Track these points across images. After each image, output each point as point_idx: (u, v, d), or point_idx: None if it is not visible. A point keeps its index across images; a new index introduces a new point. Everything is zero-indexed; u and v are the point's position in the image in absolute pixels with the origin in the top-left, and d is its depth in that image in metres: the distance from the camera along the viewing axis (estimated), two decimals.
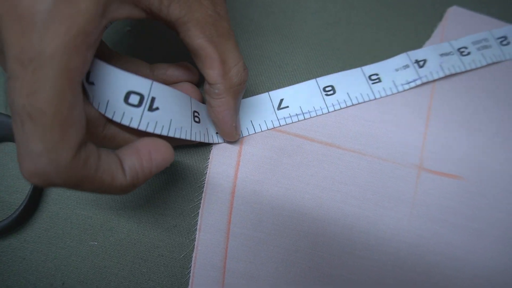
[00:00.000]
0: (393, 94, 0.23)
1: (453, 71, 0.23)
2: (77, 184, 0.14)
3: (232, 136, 0.20)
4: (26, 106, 0.13)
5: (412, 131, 0.22)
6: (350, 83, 0.23)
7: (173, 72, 0.20)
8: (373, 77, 0.23)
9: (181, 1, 0.16)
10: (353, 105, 0.22)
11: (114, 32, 0.23)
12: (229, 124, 0.19)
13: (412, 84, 0.23)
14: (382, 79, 0.23)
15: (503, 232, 0.21)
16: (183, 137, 0.18)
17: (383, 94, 0.23)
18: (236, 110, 0.19)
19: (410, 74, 0.23)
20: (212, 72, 0.17)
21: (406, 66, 0.23)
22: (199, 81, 0.21)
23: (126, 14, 0.15)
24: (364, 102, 0.22)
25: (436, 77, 0.23)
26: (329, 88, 0.22)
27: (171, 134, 0.18)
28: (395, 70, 0.23)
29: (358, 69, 0.23)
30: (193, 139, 0.19)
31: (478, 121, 0.22)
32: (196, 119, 0.19)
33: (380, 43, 0.24)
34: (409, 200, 0.21)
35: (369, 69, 0.23)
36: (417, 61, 0.23)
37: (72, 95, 0.13)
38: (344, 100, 0.22)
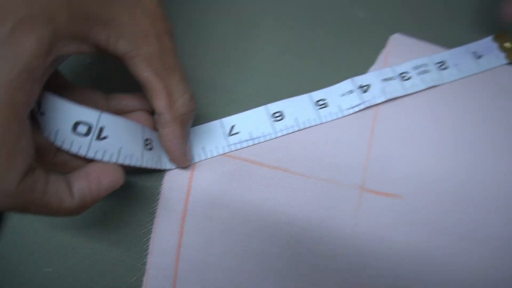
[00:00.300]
0: (338, 118, 0.24)
1: (394, 95, 0.24)
2: (24, 207, 0.15)
3: (182, 162, 0.21)
4: None
5: (355, 153, 0.23)
6: (298, 108, 0.24)
7: (128, 102, 0.22)
8: (320, 102, 0.24)
9: (128, 37, 0.17)
10: (300, 129, 0.23)
11: (77, 64, 0.25)
12: (178, 151, 0.21)
13: (356, 109, 0.24)
14: (328, 104, 0.24)
15: (441, 248, 0.22)
16: (133, 164, 0.20)
17: (329, 118, 0.24)
18: (184, 138, 0.20)
19: (354, 99, 0.24)
20: (159, 103, 0.19)
21: (351, 91, 0.24)
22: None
23: (73, 50, 0.17)
24: (311, 126, 0.24)
25: (378, 101, 0.24)
26: (278, 114, 0.24)
27: (120, 162, 0.19)
28: (341, 95, 0.24)
29: (306, 95, 0.24)
30: (144, 166, 0.20)
31: (418, 142, 0.24)
32: (149, 146, 0.20)
33: (327, 69, 0.25)
34: (351, 219, 0.22)
35: (317, 94, 0.24)
36: (361, 87, 0.24)
37: (18, 127, 0.15)
38: (292, 125, 0.23)
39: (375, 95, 0.24)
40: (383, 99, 0.24)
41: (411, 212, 0.22)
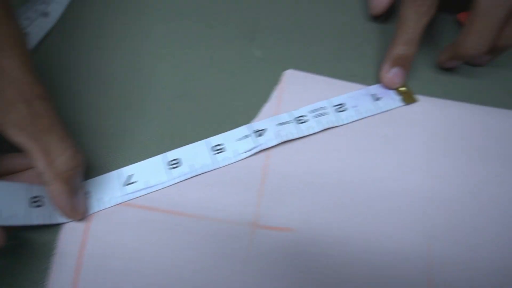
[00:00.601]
0: (234, 162, 0.25)
1: (288, 138, 0.25)
2: None
3: (73, 216, 0.22)
4: None
5: (249, 190, 0.24)
6: (195, 154, 0.25)
7: (19, 160, 0.22)
8: (217, 148, 0.25)
9: None
10: (198, 175, 0.24)
11: None
12: (65, 207, 0.21)
13: (251, 152, 0.25)
14: (225, 149, 0.25)
15: (333, 279, 0.22)
16: (19, 223, 0.20)
17: (225, 163, 0.25)
18: (69, 194, 0.21)
19: (249, 143, 0.25)
20: (37, 163, 0.20)
21: (247, 136, 0.25)
22: None
23: None
24: (206, 172, 0.24)
25: (272, 144, 0.25)
26: (175, 162, 0.24)
27: (2, 223, 0.19)
28: (237, 140, 0.25)
29: (204, 141, 0.25)
30: (32, 223, 0.20)
31: (309, 175, 0.25)
32: (37, 203, 0.21)
33: (225, 111, 0.27)
34: (243, 257, 0.23)
35: (214, 140, 0.25)
36: (256, 131, 0.25)
37: None
38: (188, 172, 0.24)
39: (269, 138, 0.25)
40: (277, 142, 0.25)
41: (302, 245, 0.23)
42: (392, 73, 0.27)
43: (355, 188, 0.25)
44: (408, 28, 0.26)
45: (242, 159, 0.25)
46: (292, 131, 0.26)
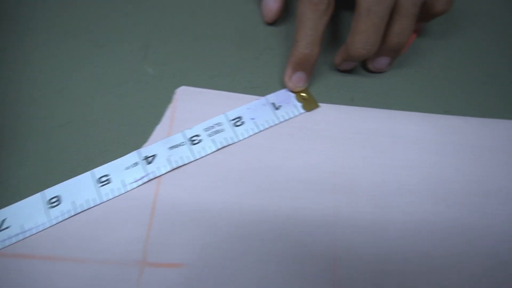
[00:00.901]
0: (121, 194, 0.23)
1: (180, 163, 0.23)
2: None
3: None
4: None
5: (136, 225, 0.22)
6: (77, 190, 0.22)
7: None
8: (102, 179, 0.23)
9: None
10: (78, 213, 0.22)
11: None
12: None
13: (140, 182, 0.23)
14: (111, 180, 0.23)
15: None
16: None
17: (110, 196, 0.23)
18: None
19: (138, 171, 0.23)
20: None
21: (136, 164, 0.23)
22: None
23: None
24: (89, 208, 0.22)
25: (163, 171, 0.23)
26: (55, 200, 0.22)
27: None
28: (125, 169, 0.23)
29: (88, 173, 0.23)
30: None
31: (203, 203, 0.23)
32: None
33: (112, 137, 0.24)
34: None
35: (100, 170, 0.23)
36: (146, 158, 0.23)
37: None
38: (69, 210, 0.22)
39: (160, 165, 0.23)
40: (168, 169, 0.23)
41: (195, 281, 0.21)
42: (295, 77, 0.25)
43: (254, 215, 0.23)
44: (308, 29, 0.24)
45: (132, 190, 0.23)
46: (185, 154, 0.24)
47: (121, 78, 0.26)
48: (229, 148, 0.24)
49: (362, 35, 0.23)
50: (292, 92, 0.26)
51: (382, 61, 0.26)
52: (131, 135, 0.24)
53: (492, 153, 0.25)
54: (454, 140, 0.25)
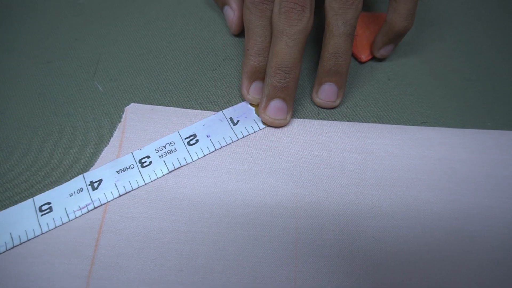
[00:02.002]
0: (63, 224, 0.21)
1: (129, 189, 0.22)
2: None
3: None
4: None
5: (78, 258, 0.20)
6: (16, 219, 0.21)
7: None
8: (44, 208, 0.21)
9: None
10: (17, 245, 0.20)
11: None
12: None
13: (84, 210, 0.21)
14: (53, 208, 0.21)
15: None
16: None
17: (52, 226, 0.21)
18: None
19: (83, 198, 0.21)
20: None
21: (80, 190, 0.21)
22: None
23: None
24: (29, 239, 0.20)
25: (110, 198, 0.21)
26: None
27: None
28: (69, 196, 0.21)
29: (29, 200, 0.21)
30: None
31: (152, 232, 0.21)
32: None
33: (57, 161, 0.22)
34: None
35: (41, 198, 0.21)
36: (92, 183, 0.22)
37: None
38: (8, 242, 0.20)
39: (106, 191, 0.21)
40: (115, 195, 0.21)
41: None
42: (253, 89, 0.23)
43: (208, 245, 0.21)
44: (257, 37, 0.22)
45: (75, 218, 0.21)
46: (134, 178, 0.22)
47: (69, 96, 0.24)
48: (183, 170, 0.22)
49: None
50: (251, 105, 0.24)
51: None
52: (78, 158, 0.22)
53: (472, 167, 0.23)
54: (431, 155, 0.23)
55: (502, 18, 0.28)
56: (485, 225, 0.21)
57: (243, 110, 0.24)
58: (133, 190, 0.22)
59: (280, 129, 0.24)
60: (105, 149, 0.23)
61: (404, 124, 0.24)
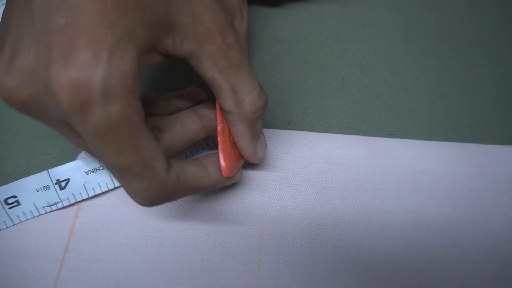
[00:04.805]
0: (34, 217, 0.22)
1: (98, 191, 0.22)
2: (177, 194, 0.18)
3: (253, 159, 0.21)
4: (120, 164, 0.15)
5: (48, 261, 0.21)
6: None
7: (183, 101, 0.21)
8: (10, 201, 0.21)
9: (191, 37, 0.16)
10: None
11: None
12: (246, 150, 0.20)
13: (54, 207, 0.22)
14: (21, 201, 0.21)
15: None
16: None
17: (23, 218, 0.22)
18: (252, 137, 0.20)
19: (51, 196, 0.22)
20: (226, 102, 0.18)
21: (47, 187, 0.22)
22: None
23: (149, 63, 0.17)
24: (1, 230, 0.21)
25: (79, 198, 0.22)
26: None
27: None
28: (35, 191, 0.22)
29: None
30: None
31: (121, 236, 0.21)
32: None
33: (33, 166, 0.23)
34: None
35: (3, 191, 0.21)
36: (58, 182, 0.22)
37: (148, 142, 0.16)
38: None
39: (75, 192, 0.22)
40: (84, 196, 0.22)
41: None
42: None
43: (174, 249, 0.21)
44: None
45: (46, 222, 0.22)
46: (104, 180, 0.22)
47: None
48: None
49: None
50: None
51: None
52: (54, 164, 0.23)
53: (436, 178, 0.23)
54: (396, 166, 0.24)
55: (472, 34, 0.28)
56: (445, 235, 0.22)
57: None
58: (102, 193, 0.22)
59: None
60: (79, 155, 0.24)
61: (372, 136, 0.24)
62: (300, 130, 0.25)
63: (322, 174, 0.23)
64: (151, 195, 0.17)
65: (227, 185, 0.21)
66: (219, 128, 0.20)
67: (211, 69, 0.17)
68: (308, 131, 0.25)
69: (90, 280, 0.21)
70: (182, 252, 0.21)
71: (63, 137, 0.24)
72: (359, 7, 0.29)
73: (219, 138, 0.19)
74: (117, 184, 0.23)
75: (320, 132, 0.25)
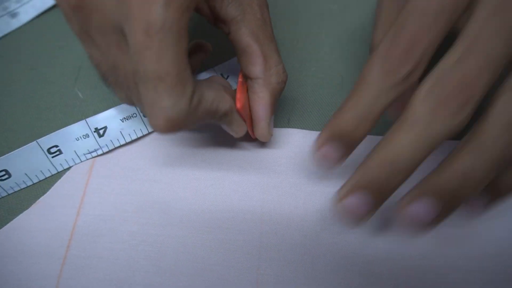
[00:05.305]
0: (76, 164, 0.23)
1: (134, 137, 0.24)
2: (199, 119, 0.18)
3: (264, 135, 0.22)
4: (157, 70, 0.16)
5: (51, 258, 0.21)
6: (27, 161, 0.22)
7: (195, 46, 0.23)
8: (52, 150, 0.22)
9: (237, 3, 0.19)
10: (34, 183, 0.23)
11: None
12: (263, 121, 0.21)
13: (94, 154, 0.23)
14: (63, 150, 0.23)
15: None
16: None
17: (66, 166, 0.23)
18: (271, 108, 0.21)
19: (91, 144, 0.23)
20: (255, 68, 0.20)
21: (86, 136, 0.23)
22: None
23: (198, 8, 0.19)
24: (46, 178, 0.23)
25: (117, 144, 0.23)
26: (3, 173, 0.22)
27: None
28: (75, 140, 0.23)
29: (34, 142, 0.22)
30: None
31: (123, 234, 0.22)
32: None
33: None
34: None
35: (47, 141, 0.22)
36: (97, 130, 0.23)
37: (185, 59, 0.16)
38: (24, 181, 0.22)
39: (112, 138, 0.23)
40: (122, 142, 0.23)
41: None
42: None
43: (176, 246, 0.22)
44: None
45: (48, 221, 0.22)
46: (138, 126, 0.23)
47: (50, 102, 0.25)
48: (154, 174, 0.23)
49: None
50: None
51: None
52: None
53: None
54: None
55: None
56: (444, 232, 0.22)
57: (231, 67, 0.25)
58: (138, 138, 0.24)
59: (248, 137, 0.25)
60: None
61: (371, 134, 0.25)
62: (299, 128, 0.25)
63: (321, 172, 0.23)
64: (175, 114, 0.17)
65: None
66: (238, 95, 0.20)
67: (248, 35, 0.19)
68: (308, 129, 0.25)
69: (92, 277, 0.21)
70: (183, 250, 0.21)
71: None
72: (359, 7, 0.29)
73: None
74: (150, 129, 0.24)
75: (319, 130, 0.25)
